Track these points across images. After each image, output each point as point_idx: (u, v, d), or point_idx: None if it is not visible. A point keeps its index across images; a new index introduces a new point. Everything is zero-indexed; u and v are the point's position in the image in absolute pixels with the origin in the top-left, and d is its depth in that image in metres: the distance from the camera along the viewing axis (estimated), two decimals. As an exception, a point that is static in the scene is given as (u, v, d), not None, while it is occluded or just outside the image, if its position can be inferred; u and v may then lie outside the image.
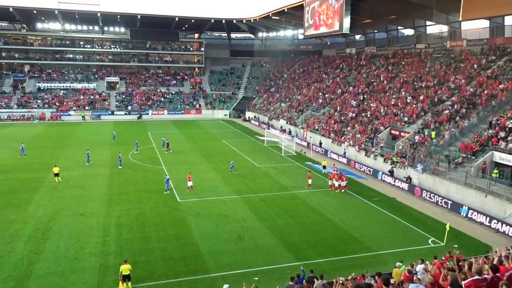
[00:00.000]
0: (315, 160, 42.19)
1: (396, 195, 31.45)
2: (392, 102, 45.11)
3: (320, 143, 47.64)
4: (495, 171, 27.40)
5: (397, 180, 33.69)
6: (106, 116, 70.39)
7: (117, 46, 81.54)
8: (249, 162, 40.98)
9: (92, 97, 73.83)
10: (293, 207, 27.82)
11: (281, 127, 58.97)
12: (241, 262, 19.44)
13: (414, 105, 41.83)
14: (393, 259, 18.78)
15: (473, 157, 30.22)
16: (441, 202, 28.88)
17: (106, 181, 32.63)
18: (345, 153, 42.60)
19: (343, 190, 31.31)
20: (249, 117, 73.26)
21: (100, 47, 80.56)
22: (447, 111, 37.24)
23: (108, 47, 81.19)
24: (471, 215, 26.28)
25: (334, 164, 37.47)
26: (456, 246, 21.30)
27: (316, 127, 51.14)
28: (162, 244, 21.29)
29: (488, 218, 25.22)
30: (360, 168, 38.91)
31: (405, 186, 32.75)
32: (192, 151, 45.81)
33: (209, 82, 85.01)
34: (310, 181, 32.52)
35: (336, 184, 31.45)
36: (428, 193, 30.19)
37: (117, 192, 30.05)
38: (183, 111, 74.74)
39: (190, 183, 30.38)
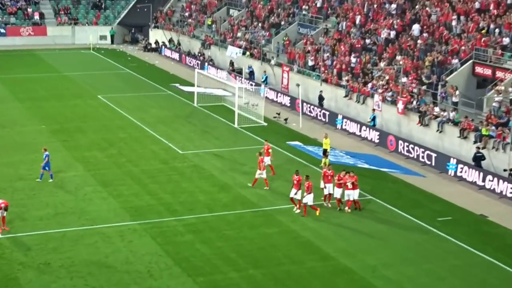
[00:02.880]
0: (309, 136, 42.51)
1: (486, 208, 32.11)
2: (477, 5, 45.86)
3: (321, 99, 48.23)
4: None
5: (489, 177, 34.42)
6: None
7: None
8: (162, 144, 41.29)
9: None
10: (264, 241, 27.87)
11: (232, 63, 59.11)
12: None
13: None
14: None
15: None
16: None
17: None
18: (374, 118, 43.32)
19: (349, 209, 31.52)
20: (157, 42, 73.86)
21: None
22: None
23: None
24: None
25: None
26: None
27: (311, 63, 51.40)
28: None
29: None
30: (408, 152, 39.64)
31: (506, 188, 33.52)
32: (29, 122, 45.65)
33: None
34: (261, 175, 33.50)
35: (338, 194, 31.37)
36: (556, 202, 31.07)
37: None
38: (3, 30, 75.08)
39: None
